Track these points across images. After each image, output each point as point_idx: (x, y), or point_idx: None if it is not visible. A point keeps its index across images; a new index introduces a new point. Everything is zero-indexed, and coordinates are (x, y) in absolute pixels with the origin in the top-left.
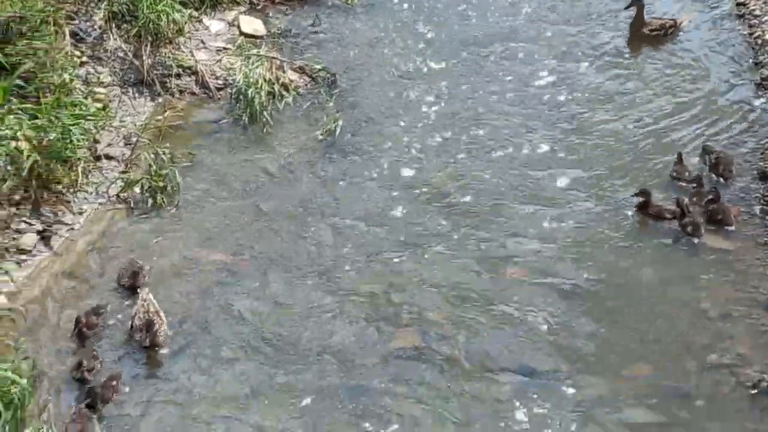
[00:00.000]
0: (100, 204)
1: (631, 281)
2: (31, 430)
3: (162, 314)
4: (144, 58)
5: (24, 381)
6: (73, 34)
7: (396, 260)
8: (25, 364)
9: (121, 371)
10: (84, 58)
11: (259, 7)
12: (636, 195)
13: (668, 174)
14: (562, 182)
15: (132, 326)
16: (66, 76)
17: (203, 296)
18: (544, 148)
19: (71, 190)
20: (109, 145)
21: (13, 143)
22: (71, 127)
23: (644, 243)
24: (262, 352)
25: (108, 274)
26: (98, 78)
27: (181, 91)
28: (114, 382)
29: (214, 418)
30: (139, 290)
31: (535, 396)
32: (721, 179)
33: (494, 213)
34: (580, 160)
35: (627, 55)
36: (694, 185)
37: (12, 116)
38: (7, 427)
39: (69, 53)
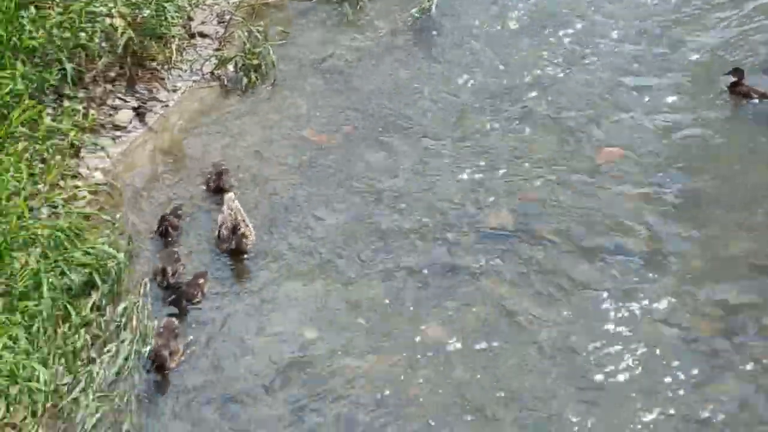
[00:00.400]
0: (194, 81)
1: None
2: (128, 304)
3: (248, 221)
4: None
5: (121, 255)
6: None
7: (492, 138)
8: (122, 239)
9: (207, 271)
10: None
11: None
12: (728, 74)
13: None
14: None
15: (218, 233)
16: None
17: (294, 184)
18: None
19: (165, 67)
20: (203, 22)
21: (108, 20)
22: (165, 4)
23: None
24: (352, 234)
25: (200, 153)
26: None
27: None
28: (201, 280)
29: (293, 324)
30: (224, 195)
31: (623, 275)
32: None
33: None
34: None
35: None
36: None
37: None
38: (104, 301)
39: None
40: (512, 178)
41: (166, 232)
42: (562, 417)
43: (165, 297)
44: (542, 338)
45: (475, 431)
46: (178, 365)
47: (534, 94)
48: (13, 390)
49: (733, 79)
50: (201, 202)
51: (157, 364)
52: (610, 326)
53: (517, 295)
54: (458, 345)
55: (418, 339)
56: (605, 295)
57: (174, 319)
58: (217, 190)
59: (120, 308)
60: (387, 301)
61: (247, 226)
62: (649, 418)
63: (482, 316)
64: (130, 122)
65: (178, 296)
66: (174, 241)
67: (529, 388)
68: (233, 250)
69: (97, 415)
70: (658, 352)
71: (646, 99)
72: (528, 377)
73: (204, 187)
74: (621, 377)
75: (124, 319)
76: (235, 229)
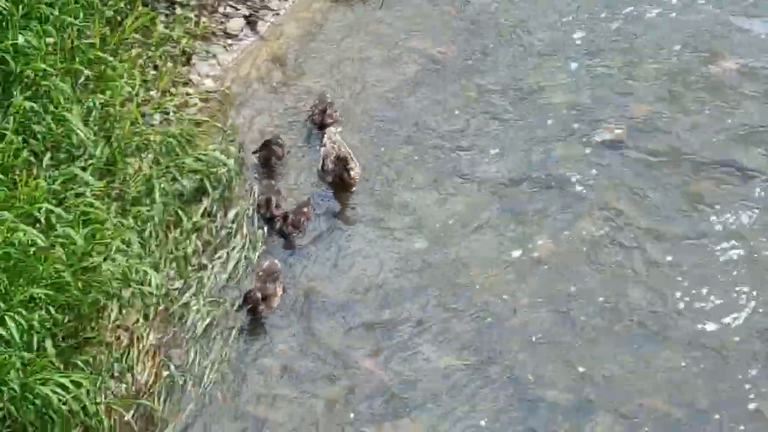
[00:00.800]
0: None
1: None
2: (238, 211)
3: (352, 155)
4: None
5: (231, 162)
6: None
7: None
8: (233, 147)
9: (311, 198)
10: None
11: None
12: None
13: None
14: None
15: (322, 165)
16: None
17: (406, 100)
18: None
19: None
20: None
21: None
22: None
23: None
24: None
25: (311, 63)
26: None
27: None
28: (305, 209)
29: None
30: (327, 129)
31: (741, 191)
32: None
33: None
34: None
35: None
36: None
37: None
38: (215, 207)
39: None
40: (626, 93)
41: (267, 160)
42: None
43: (270, 228)
44: (654, 253)
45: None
46: (274, 309)
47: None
48: (126, 293)
49: None
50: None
51: (250, 307)
52: (725, 244)
53: (629, 209)
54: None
55: (528, 251)
56: (719, 209)
57: (276, 262)
58: (322, 126)
59: (230, 215)
60: (497, 215)
61: (353, 159)
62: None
63: (592, 230)
64: (242, 30)
65: (282, 224)
66: (275, 171)
67: (638, 302)
68: (338, 183)
69: (208, 320)
70: None
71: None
72: (637, 289)
73: (309, 121)
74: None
75: (234, 226)
76: (340, 161)
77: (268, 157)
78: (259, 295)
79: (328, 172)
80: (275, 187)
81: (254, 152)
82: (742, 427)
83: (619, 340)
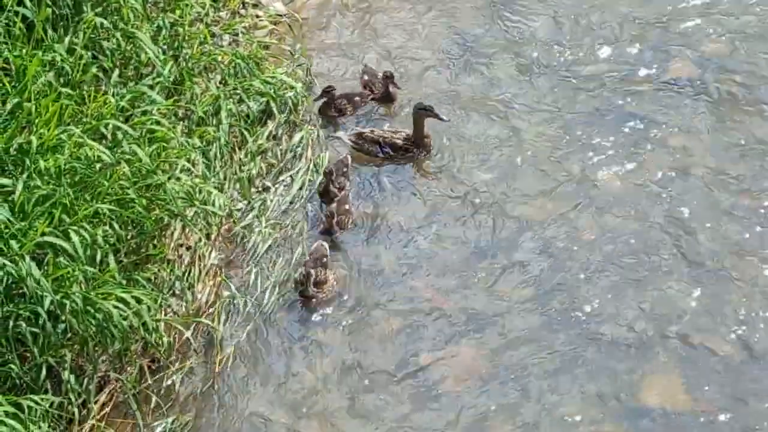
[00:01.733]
0: None
1: None
2: (304, 132)
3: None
4: None
5: (299, 86)
6: None
7: None
8: (300, 70)
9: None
10: None
11: None
12: None
13: None
14: None
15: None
16: None
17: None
18: None
19: None
20: None
21: None
22: None
23: None
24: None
25: None
26: None
27: None
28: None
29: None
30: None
31: None
32: None
33: None
34: None
35: None
36: None
37: None
38: (280, 130)
39: None
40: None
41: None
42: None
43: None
44: (718, 194)
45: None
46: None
47: None
48: (189, 212)
49: None
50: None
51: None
52: None
53: (694, 148)
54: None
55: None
56: None
57: (324, 244)
58: (386, 98)
59: (296, 138)
60: (564, 144)
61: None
62: None
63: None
64: None
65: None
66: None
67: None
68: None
69: (269, 242)
70: None
71: None
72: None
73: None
74: None
75: (299, 149)
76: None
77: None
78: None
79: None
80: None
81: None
82: None
83: None
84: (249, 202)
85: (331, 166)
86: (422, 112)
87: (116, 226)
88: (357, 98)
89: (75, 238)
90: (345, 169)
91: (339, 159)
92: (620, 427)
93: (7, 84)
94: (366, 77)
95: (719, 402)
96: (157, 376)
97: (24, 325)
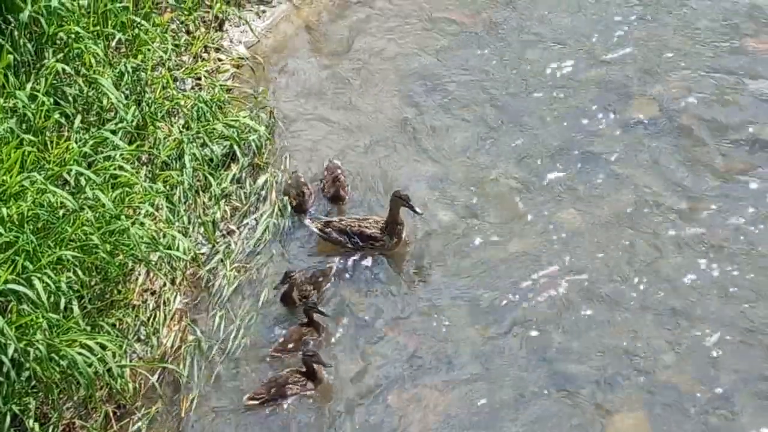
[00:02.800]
0: None
1: None
2: (268, 175)
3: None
4: None
5: (262, 129)
6: None
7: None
8: (263, 113)
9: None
10: None
11: None
12: None
13: None
14: None
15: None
16: None
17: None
18: None
19: None
20: None
21: None
22: None
23: None
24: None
25: (344, 33)
26: None
27: None
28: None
29: None
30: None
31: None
32: None
33: None
34: None
35: None
36: None
37: None
38: (244, 174)
39: None
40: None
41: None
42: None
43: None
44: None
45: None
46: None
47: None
48: (154, 257)
49: None
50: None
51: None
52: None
53: (655, 185)
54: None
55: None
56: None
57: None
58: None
59: (260, 181)
60: (520, 185)
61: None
62: None
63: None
64: None
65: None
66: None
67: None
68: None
69: (235, 285)
70: None
71: None
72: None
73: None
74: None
75: (263, 192)
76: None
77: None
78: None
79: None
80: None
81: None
82: None
83: None
84: (213, 246)
85: (296, 272)
86: (398, 200)
87: (80, 273)
88: (321, 278)
89: (38, 285)
90: (320, 279)
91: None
92: None
93: None
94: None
95: None
96: (123, 422)
97: None
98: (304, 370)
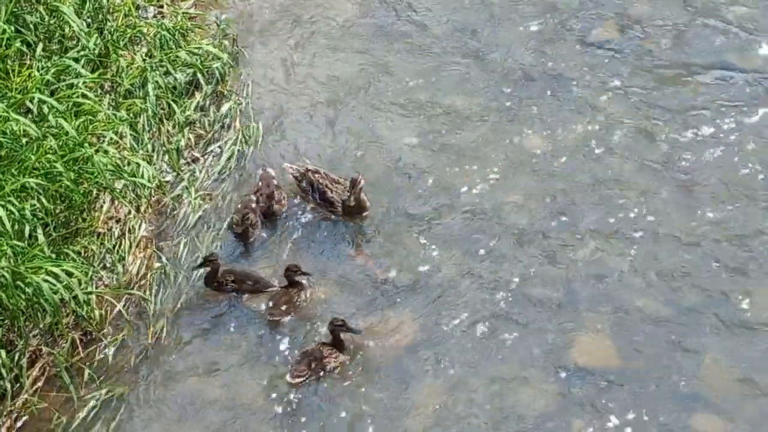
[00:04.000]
0: None
1: None
2: (232, 103)
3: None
4: None
5: (225, 56)
6: None
7: None
8: (227, 41)
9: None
10: None
11: None
12: None
13: None
14: None
15: None
16: None
17: None
18: None
19: None
20: None
21: None
22: None
23: None
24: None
25: None
26: None
27: None
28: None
29: None
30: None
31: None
32: None
33: None
34: None
35: None
36: None
37: None
38: (207, 101)
39: None
40: None
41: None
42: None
43: None
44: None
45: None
46: None
47: None
48: (118, 185)
49: None
50: None
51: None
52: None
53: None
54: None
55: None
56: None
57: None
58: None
59: (224, 109)
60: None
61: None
62: None
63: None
64: None
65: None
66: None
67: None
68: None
69: (200, 213)
70: None
71: None
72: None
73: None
74: None
75: (227, 120)
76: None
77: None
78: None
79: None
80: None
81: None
82: None
83: None
84: (178, 174)
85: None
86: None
87: (44, 200)
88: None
89: (2, 212)
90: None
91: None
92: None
93: None
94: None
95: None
96: (90, 349)
97: None
98: (331, 340)
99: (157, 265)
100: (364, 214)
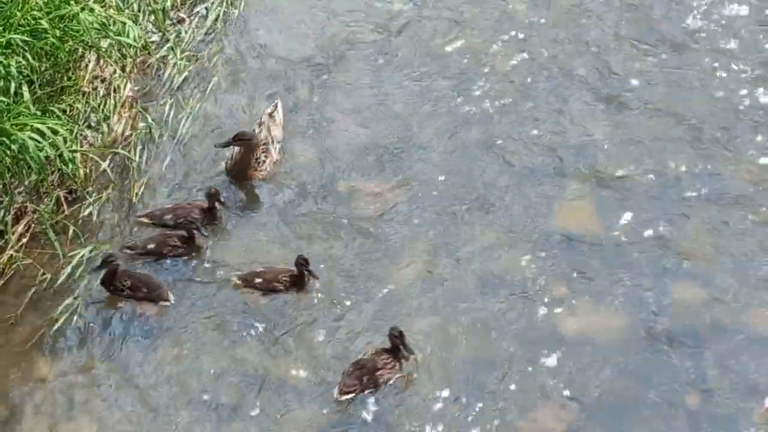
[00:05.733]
0: None
1: None
2: None
3: None
4: None
5: None
6: None
7: None
8: None
9: None
10: None
11: None
12: None
13: None
14: None
15: None
16: None
17: None
18: None
19: None
20: None
21: None
22: None
23: None
24: None
25: None
26: None
27: None
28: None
29: None
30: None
31: None
32: None
33: None
34: None
35: None
36: None
37: None
38: None
39: None
40: None
41: None
42: None
43: None
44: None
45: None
46: None
47: None
48: (104, 44)
49: None
50: None
51: None
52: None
53: None
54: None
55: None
56: None
57: None
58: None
59: None
60: None
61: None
62: None
63: None
64: None
65: None
66: None
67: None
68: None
69: (185, 74)
70: None
71: None
72: None
73: None
74: None
75: None
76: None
77: None
78: None
79: None
80: None
81: None
82: None
83: None
84: (164, 34)
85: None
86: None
87: (29, 57)
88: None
89: None
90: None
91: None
92: None
93: None
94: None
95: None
96: (74, 207)
97: None
98: (389, 347)
99: (141, 125)
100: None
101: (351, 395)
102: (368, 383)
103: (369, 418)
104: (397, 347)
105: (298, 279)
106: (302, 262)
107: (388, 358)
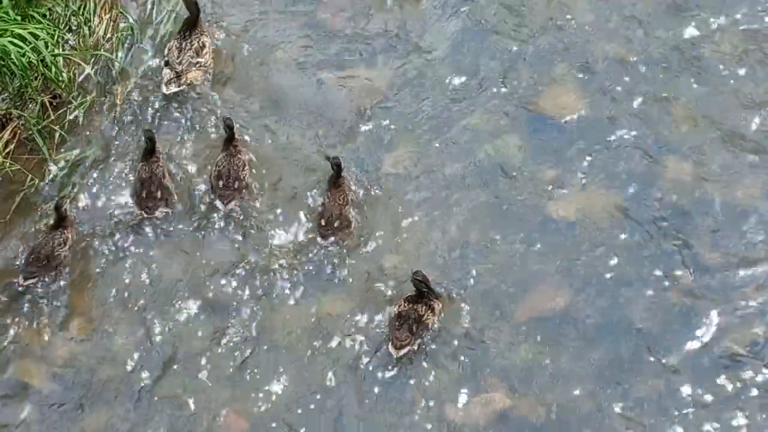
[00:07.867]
0: None
1: None
2: None
3: None
4: None
5: None
6: None
7: None
8: None
9: None
10: None
11: None
12: None
13: None
14: None
15: None
16: None
17: None
18: None
19: None
20: None
21: None
22: None
23: None
24: None
25: None
26: None
27: None
28: None
29: None
30: None
31: None
32: None
33: None
34: None
35: None
36: None
37: None
38: None
39: None
40: None
41: None
42: None
43: None
44: None
45: None
46: None
47: None
48: None
49: None
50: None
51: None
52: None
53: None
54: None
55: None
56: None
57: None
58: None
59: None
60: None
61: None
62: None
63: None
64: None
65: None
66: None
67: None
68: None
69: None
70: None
71: None
72: None
73: None
74: None
75: None
76: None
77: None
78: None
79: None
80: None
81: None
82: None
83: None
84: None
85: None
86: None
87: None
88: None
89: None
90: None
91: None
92: None
93: None
94: None
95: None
96: (60, 112)
97: None
98: (415, 294)
99: (122, 25)
100: None
101: (407, 348)
102: (419, 331)
103: None
104: (421, 292)
105: None
106: None
107: (422, 303)
